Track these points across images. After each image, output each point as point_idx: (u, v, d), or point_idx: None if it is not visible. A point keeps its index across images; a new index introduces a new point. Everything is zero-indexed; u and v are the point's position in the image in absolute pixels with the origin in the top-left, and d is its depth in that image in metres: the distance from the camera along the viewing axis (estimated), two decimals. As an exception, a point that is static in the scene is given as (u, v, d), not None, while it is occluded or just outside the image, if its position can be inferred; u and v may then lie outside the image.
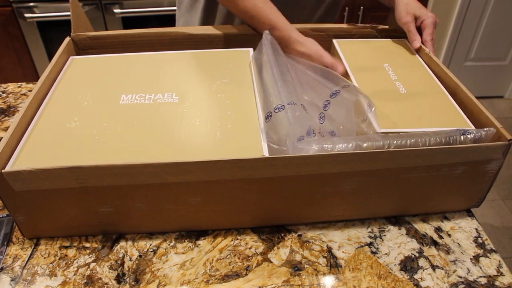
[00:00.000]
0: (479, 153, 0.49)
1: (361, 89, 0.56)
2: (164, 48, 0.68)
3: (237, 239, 0.52)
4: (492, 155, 0.49)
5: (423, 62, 0.66)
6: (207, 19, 0.82)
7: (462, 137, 0.49)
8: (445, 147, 0.48)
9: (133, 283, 0.47)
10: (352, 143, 0.48)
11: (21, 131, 0.50)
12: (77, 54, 0.70)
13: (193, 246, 0.51)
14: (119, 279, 0.47)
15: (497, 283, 0.48)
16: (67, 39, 0.68)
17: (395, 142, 0.49)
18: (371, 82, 0.61)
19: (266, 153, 0.47)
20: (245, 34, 0.71)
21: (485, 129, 0.50)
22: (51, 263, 0.49)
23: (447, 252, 0.51)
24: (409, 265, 0.50)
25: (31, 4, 1.58)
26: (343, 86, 0.55)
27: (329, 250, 0.51)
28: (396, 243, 0.52)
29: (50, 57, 1.70)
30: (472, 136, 0.50)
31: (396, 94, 0.59)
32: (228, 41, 0.72)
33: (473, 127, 0.53)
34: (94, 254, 0.50)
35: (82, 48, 0.71)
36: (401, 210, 0.55)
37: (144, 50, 0.68)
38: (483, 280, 0.48)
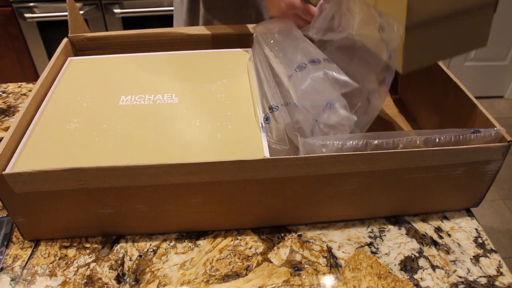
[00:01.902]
0: (479, 154, 0.49)
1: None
2: (163, 49, 0.68)
3: (237, 239, 0.52)
4: (492, 156, 0.49)
5: None
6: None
7: (472, 136, 0.49)
8: (445, 148, 0.48)
9: (133, 283, 0.47)
10: (362, 140, 0.48)
11: (21, 133, 0.50)
12: (75, 55, 0.70)
13: (193, 246, 0.51)
14: (119, 279, 0.47)
15: (497, 283, 0.48)
16: (65, 40, 0.68)
17: (404, 140, 0.48)
18: None
19: (267, 154, 0.47)
20: (245, 34, 0.71)
21: (495, 128, 0.50)
22: (51, 263, 0.49)
23: (447, 252, 0.51)
24: (409, 265, 0.50)
25: (31, 4, 1.58)
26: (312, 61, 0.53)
27: (329, 250, 0.51)
28: (396, 243, 0.52)
29: (50, 57, 1.70)
30: (482, 135, 0.49)
31: None
32: (227, 41, 0.72)
33: None
34: (94, 254, 0.50)
35: (80, 49, 0.70)
36: (401, 210, 0.55)
37: (143, 50, 0.68)
38: (483, 280, 0.48)
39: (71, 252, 0.50)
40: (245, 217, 0.52)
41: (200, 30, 0.71)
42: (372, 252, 0.51)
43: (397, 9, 0.47)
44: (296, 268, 0.49)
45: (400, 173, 0.49)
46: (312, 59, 0.53)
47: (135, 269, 0.49)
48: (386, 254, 0.51)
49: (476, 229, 0.54)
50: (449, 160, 0.49)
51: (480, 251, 0.51)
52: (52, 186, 0.45)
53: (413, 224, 0.55)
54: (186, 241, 0.52)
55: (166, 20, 1.67)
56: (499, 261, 0.50)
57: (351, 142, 0.48)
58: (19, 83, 0.80)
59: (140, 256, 0.50)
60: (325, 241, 0.52)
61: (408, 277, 0.48)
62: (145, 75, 0.61)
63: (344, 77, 0.51)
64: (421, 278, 0.48)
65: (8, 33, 1.63)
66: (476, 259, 0.51)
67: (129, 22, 1.68)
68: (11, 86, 0.79)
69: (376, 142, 0.48)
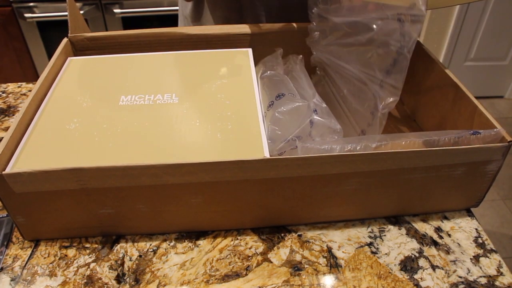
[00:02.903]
0: (479, 154, 0.49)
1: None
2: (162, 49, 0.68)
3: (237, 239, 0.52)
4: (492, 156, 0.49)
5: None
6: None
7: (472, 137, 0.49)
8: (445, 148, 0.48)
9: (133, 283, 0.47)
10: (361, 144, 0.48)
11: (21, 133, 0.50)
12: (75, 55, 0.70)
13: (193, 246, 0.51)
14: (119, 279, 0.47)
15: (497, 283, 0.48)
16: (65, 40, 0.68)
17: (403, 142, 0.49)
18: None
19: (267, 154, 0.47)
20: (245, 34, 0.71)
21: (494, 129, 0.50)
22: (51, 263, 0.49)
23: (447, 252, 0.51)
24: (409, 265, 0.50)
25: (31, 4, 1.58)
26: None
27: (329, 250, 0.51)
28: (396, 243, 0.52)
29: (50, 57, 1.70)
30: (482, 136, 0.50)
31: None
32: (227, 41, 0.72)
33: None
34: (94, 254, 0.50)
35: (80, 49, 0.70)
36: (400, 210, 0.55)
37: (143, 50, 0.68)
38: (483, 280, 0.48)
39: (71, 252, 0.50)
40: (245, 217, 0.52)
41: (200, 30, 0.71)
42: (372, 252, 0.51)
43: None
44: (296, 268, 0.49)
45: (400, 173, 0.49)
46: (278, 94, 0.55)
47: (135, 269, 0.49)
48: (386, 254, 0.51)
49: (476, 229, 0.54)
50: (449, 160, 0.49)
51: (480, 251, 0.52)
52: (52, 186, 0.45)
53: (413, 224, 0.55)
54: (186, 241, 0.52)
55: (166, 20, 1.67)
56: (499, 261, 0.50)
57: (349, 146, 0.48)
58: (19, 83, 0.80)
59: (140, 256, 0.50)
60: (325, 241, 0.52)
61: (408, 277, 0.48)
62: (145, 75, 0.61)
63: (299, 102, 0.52)
64: (421, 278, 0.48)
65: (8, 33, 1.63)
66: (476, 259, 0.51)
67: (129, 22, 1.68)
68: (11, 86, 0.80)
69: (374, 145, 0.48)
